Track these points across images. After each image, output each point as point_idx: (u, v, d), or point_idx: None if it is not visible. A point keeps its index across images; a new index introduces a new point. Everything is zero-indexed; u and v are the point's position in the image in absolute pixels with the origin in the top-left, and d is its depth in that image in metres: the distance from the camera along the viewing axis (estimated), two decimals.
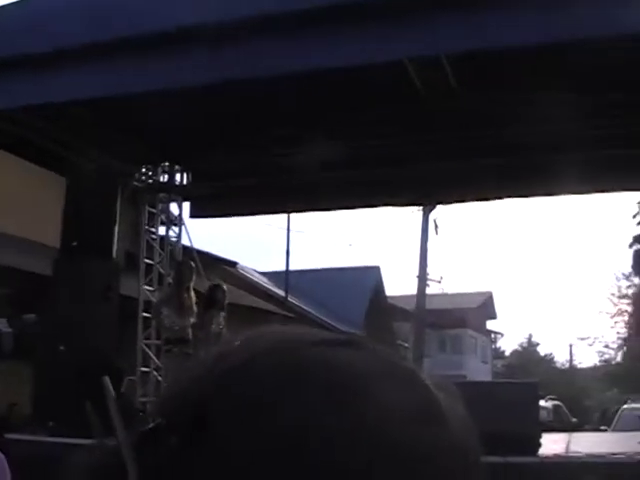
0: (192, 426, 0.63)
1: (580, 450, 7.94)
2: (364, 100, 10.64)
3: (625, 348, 39.52)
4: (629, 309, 34.13)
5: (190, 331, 11.29)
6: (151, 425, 0.64)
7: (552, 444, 8.50)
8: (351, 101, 10.65)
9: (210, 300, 11.53)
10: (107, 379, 0.69)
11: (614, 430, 16.94)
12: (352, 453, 0.63)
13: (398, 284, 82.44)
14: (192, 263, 12.30)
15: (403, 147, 11.67)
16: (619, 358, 43.39)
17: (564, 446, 8.52)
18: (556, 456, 7.47)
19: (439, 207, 29.42)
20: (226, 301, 11.75)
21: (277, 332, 0.74)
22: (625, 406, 18.85)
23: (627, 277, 31.60)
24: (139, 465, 0.62)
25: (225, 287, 12.33)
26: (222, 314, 11.52)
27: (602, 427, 20.28)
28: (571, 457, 7.52)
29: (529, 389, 8.33)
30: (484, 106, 10.60)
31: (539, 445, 7.57)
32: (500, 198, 13.26)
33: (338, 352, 0.70)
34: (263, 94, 10.07)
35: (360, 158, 11.80)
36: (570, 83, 9.68)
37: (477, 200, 13.80)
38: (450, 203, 17.77)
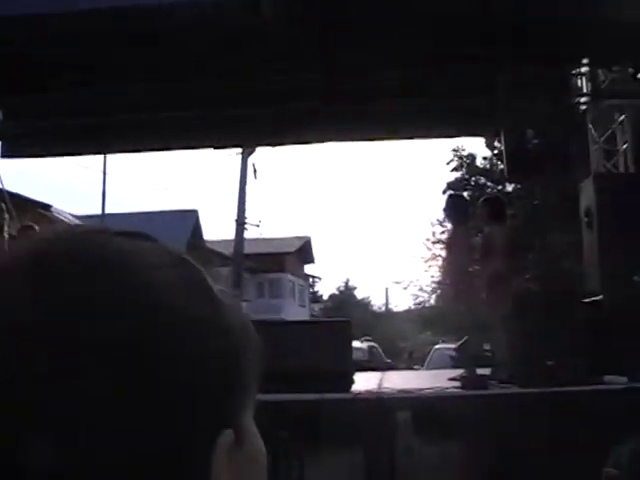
0: None
1: (392, 387, 8.22)
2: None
3: (439, 292, 41.05)
4: (442, 254, 35.47)
5: None
6: None
7: (365, 382, 8.75)
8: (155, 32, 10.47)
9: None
10: None
11: (427, 368, 17.69)
12: (122, 324, 0.70)
13: (217, 229, 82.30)
14: (2, 204, 11.92)
15: (220, 90, 11.55)
16: (433, 301, 45.05)
17: (377, 383, 8.79)
18: (368, 392, 7.69)
19: (258, 150, 29.54)
20: None
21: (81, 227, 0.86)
22: (437, 346, 19.65)
23: (441, 223, 32.81)
24: None
25: (37, 229, 12.18)
26: None
27: (415, 366, 21.13)
28: (382, 393, 7.77)
29: (342, 327, 8.50)
30: (304, 48, 10.70)
31: (352, 382, 7.79)
32: (319, 142, 13.34)
33: (133, 242, 0.80)
34: (74, 30, 9.75)
35: (174, 98, 11.60)
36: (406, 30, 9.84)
37: (295, 143, 13.81)
38: (268, 146, 17.83)
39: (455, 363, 11.21)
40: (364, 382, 8.63)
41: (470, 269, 9.24)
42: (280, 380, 7.18)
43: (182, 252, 0.85)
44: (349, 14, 9.74)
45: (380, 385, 8.59)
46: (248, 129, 12.59)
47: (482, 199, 9.92)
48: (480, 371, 8.35)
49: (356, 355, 16.23)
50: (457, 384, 8.03)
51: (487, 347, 9.50)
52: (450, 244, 9.29)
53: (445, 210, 9.55)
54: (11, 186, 17.31)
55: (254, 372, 0.82)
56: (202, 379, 0.72)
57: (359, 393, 7.56)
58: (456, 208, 9.38)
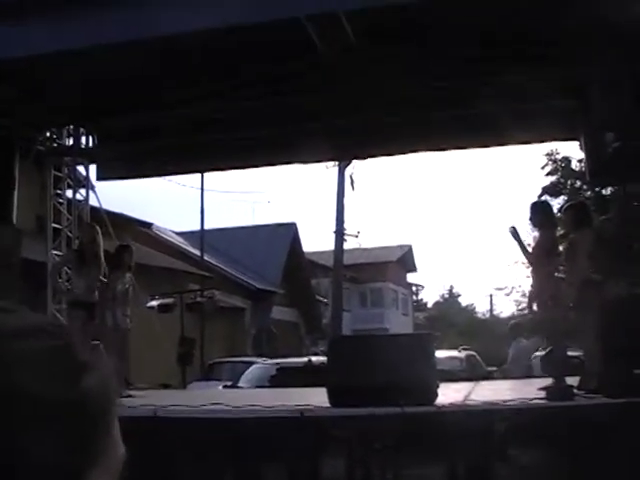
0: None
1: (477, 399, 8.12)
2: (267, 57, 10.60)
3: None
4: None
5: (95, 293, 11.16)
6: None
7: (454, 393, 8.69)
8: (255, 58, 10.61)
9: (116, 261, 11.50)
10: None
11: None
12: None
13: (316, 240, 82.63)
14: (94, 224, 12.14)
15: (313, 103, 11.63)
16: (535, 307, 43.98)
17: (464, 395, 8.69)
18: (452, 405, 7.63)
19: (354, 162, 29.64)
20: (133, 262, 11.76)
21: None
22: (536, 353, 19.20)
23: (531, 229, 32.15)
24: None
25: (133, 248, 12.43)
26: (128, 275, 11.54)
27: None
28: (466, 406, 7.69)
29: (425, 340, 8.46)
30: (387, 60, 10.69)
31: (436, 395, 7.72)
32: (415, 152, 13.26)
33: None
34: (166, 52, 9.96)
35: (270, 115, 11.75)
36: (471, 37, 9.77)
37: (392, 155, 13.81)
38: (365, 158, 17.83)
39: (543, 372, 11.00)
40: (452, 394, 8.57)
41: (557, 275, 9.08)
42: (364, 393, 7.24)
43: (43, 320, 0.83)
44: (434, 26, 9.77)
45: (467, 397, 8.49)
46: (346, 142, 12.58)
47: (567, 205, 9.75)
48: (569, 380, 8.17)
49: (453, 365, 16.15)
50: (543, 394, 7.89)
51: (576, 354, 9.33)
52: (536, 251, 9.12)
53: (530, 216, 9.40)
54: (113, 206, 17.86)
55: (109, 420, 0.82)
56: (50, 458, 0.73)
57: (442, 406, 7.50)
58: (540, 214, 9.24)
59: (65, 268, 12.61)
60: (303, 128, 12.05)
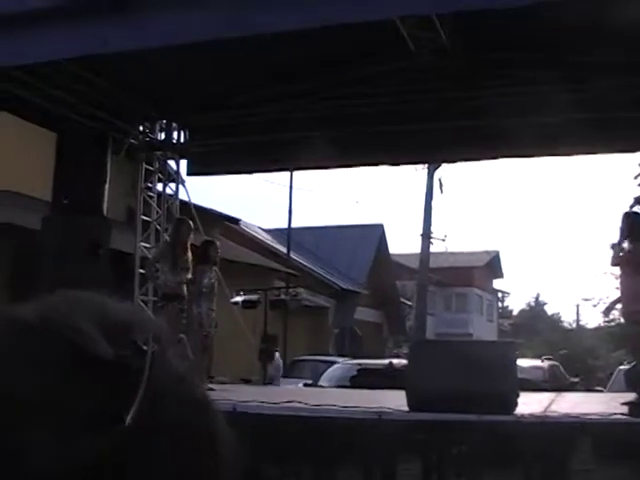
0: None
1: (558, 410, 8.01)
2: (358, 57, 10.63)
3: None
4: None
5: (185, 287, 11.32)
6: None
7: (534, 404, 8.57)
8: (346, 57, 10.64)
9: (202, 256, 11.59)
10: None
11: (609, 390, 16.90)
12: None
13: (403, 243, 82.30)
14: (189, 220, 12.23)
15: (406, 105, 11.66)
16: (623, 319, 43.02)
17: (545, 406, 8.58)
18: (532, 416, 7.54)
19: (444, 166, 29.51)
20: (218, 257, 11.88)
21: None
22: (621, 367, 18.77)
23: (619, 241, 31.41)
24: None
25: (218, 243, 12.54)
26: (214, 269, 11.64)
27: (597, 387, 20.30)
28: (545, 417, 7.59)
29: (507, 349, 8.37)
30: (479, 65, 10.70)
31: (516, 404, 7.64)
32: (506, 157, 13.22)
33: None
34: (257, 50, 10.10)
35: (362, 115, 11.78)
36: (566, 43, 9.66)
37: (482, 159, 13.74)
38: (455, 162, 17.72)
39: (627, 387, 10.78)
40: (533, 404, 8.46)
41: None
42: (443, 399, 7.21)
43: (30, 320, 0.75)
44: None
45: (547, 408, 8.37)
46: (435, 145, 12.48)
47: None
48: None
49: (535, 374, 15.84)
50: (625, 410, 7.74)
51: None
52: (625, 262, 8.91)
53: (621, 226, 9.21)
54: (202, 201, 18.09)
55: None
56: None
57: (521, 416, 7.42)
58: (631, 225, 9.06)
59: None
60: (394, 130, 12.01)
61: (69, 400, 0.67)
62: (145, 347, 0.72)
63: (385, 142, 12.27)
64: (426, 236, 32.11)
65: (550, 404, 8.90)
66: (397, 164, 15.36)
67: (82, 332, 0.70)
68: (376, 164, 14.39)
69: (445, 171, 31.34)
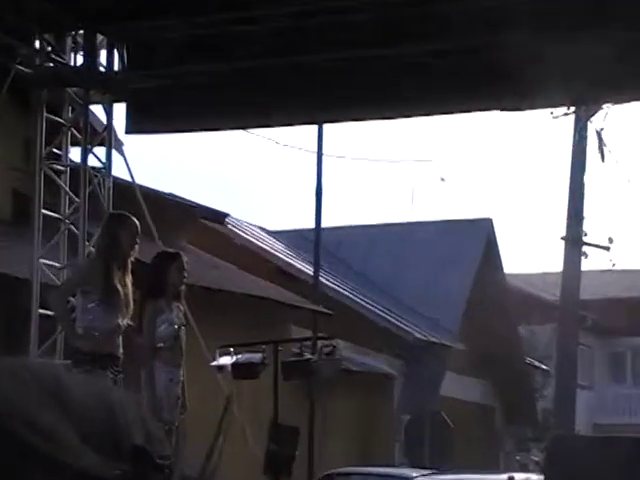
0: None
1: None
2: None
3: None
4: None
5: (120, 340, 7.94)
6: None
7: None
8: None
9: (157, 282, 8.25)
10: None
11: None
12: None
13: (523, 252, 63.80)
14: (132, 218, 8.20)
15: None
16: None
17: None
18: None
19: (605, 111, 19.62)
20: (183, 283, 8.41)
21: None
22: None
23: None
24: None
25: (186, 260, 8.68)
26: (179, 305, 8.43)
27: None
28: None
29: None
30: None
31: None
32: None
33: None
34: None
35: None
36: None
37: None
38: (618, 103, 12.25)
39: None
40: None
41: None
42: None
43: None
44: None
45: None
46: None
47: None
48: None
49: None
50: None
51: None
52: None
53: None
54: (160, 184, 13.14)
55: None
56: None
57: None
58: None
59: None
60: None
61: None
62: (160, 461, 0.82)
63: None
64: (575, 241, 20.31)
65: None
66: (521, 109, 9.71)
67: (51, 436, 0.74)
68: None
69: (608, 122, 20.60)
